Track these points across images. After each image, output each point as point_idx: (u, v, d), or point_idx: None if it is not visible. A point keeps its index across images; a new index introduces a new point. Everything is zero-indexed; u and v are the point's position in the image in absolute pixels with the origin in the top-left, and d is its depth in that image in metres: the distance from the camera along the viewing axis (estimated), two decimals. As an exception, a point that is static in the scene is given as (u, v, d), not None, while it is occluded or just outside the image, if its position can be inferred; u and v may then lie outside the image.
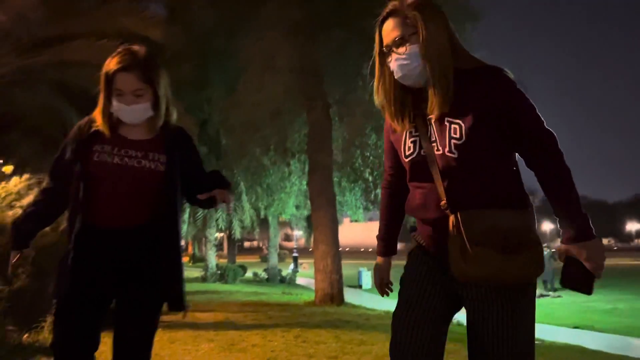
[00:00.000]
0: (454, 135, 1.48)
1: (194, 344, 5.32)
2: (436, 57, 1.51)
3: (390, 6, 1.58)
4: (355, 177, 12.70)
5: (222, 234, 26.13)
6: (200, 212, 16.33)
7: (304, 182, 13.29)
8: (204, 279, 19.18)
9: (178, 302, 1.91)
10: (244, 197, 16.06)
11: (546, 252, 17.11)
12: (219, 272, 19.72)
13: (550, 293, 14.78)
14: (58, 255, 1.91)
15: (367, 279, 18.21)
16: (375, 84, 1.66)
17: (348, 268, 14.17)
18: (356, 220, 15.93)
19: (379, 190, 13.58)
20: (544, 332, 7.69)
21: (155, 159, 1.90)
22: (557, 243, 1.61)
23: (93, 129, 1.91)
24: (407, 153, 1.58)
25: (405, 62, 1.54)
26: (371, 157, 11.82)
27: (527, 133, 1.48)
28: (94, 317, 1.85)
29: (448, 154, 1.48)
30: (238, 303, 10.46)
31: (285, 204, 14.58)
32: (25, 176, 16.73)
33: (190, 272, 23.93)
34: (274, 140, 12.12)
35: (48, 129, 12.03)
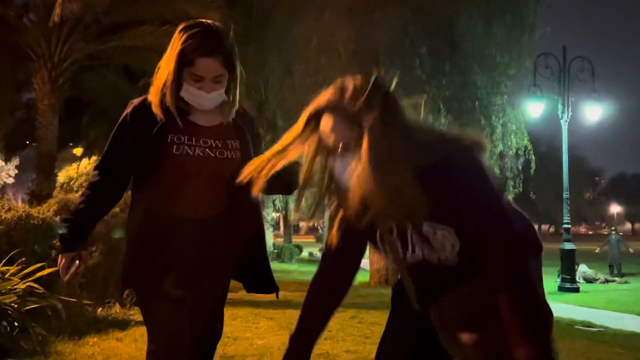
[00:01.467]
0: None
1: (254, 322, 5.51)
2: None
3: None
4: (412, 159, 12.54)
5: (278, 214, 26.59)
6: (258, 193, 16.63)
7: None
8: (261, 259, 19.63)
9: (270, 284, 1.92)
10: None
11: (614, 236, 16.37)
12: (275, 251, 20.15)
13: (617, 279, 14.16)
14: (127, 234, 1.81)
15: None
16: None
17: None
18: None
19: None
20: (609, 319, 7.42)
21: (233, 147, 1.78)
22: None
23: (157, 114, 1.71)
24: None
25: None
26: (428, 139, 11.62)
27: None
28: (181, 310, 1.74)
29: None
30: (295, 282, 10.66)
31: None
32: (94, 158, 17.66)
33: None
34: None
35: (114, 113, 12.59)
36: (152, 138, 1.71)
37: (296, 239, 28.97)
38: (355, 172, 1.27)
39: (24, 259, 4.30)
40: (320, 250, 23.14)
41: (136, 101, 1.81)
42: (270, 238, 20.32)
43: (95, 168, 1.83)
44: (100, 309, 5.16)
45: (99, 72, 11.56)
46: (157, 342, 1.73)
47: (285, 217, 23.21)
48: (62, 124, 10.33)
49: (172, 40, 1.71)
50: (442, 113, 11.21)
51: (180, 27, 1.72)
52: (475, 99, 11.66)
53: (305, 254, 23.92)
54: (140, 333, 4.20)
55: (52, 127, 9.90)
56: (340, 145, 1.30)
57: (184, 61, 1.67)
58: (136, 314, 4.87)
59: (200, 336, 1.80)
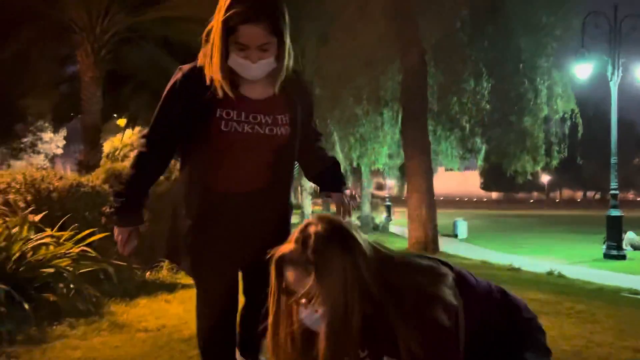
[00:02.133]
0: None
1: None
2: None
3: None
4: (451, 126, 12.33)
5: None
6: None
7: (397, 131, 13.13)
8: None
9: None
10: (337, 148, 16.19)
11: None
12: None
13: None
14: (171, 202, 1.83)
15: (463, 229, 17.92)
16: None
17: (443, 217, 14.00)
18: (451, 169, 15.57)
19: (476, 139, 13.12)
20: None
21: (283, 122, 1.74)
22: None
23: (207, 85, 1.66)
24: None
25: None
26: (468, 104, 11.38)
27: None
28: (234, 279, 1.83)
29: None
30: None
31: (379, 153, 14.52)
32: (137, 129, 18.01)
33: (287, 219, 24.88)
34: (367, 90, 12.00)
35: (155, 84, 12.76)
36: (200, 111, 1.67)
37: (334, 207, 29.06)
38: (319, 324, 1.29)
39: (76, 224, 4.49)
40: (357, 218, 23.27)
41: (185, 68, 1.74)
42: (309, 206, 20.53)
43: (144, 137, 1.80)
44: (148, 272, 5.36)
45: (139, 45, 11.70)
46: (208, 307, 1.80)
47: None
48: (105, 96, 10.54)
49: (218, 6, 1.63)
50: (484, 77, 10.92)
51: None
52: (518, 61, 11.30)
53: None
54: (188, 296, 4.36)
55: (96, 99, 10.12)
56: (302, 298, 1.30)
57: (228, 29, 1.59)
58: (182, 278, 5.03)
59: (251, 301, 1.87)
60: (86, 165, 9.30)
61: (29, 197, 4.65)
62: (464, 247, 14.70)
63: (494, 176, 45.89)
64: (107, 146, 16.37)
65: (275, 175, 1.77)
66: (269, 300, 1.38)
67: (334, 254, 1.28)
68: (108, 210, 5.38)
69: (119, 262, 4.75)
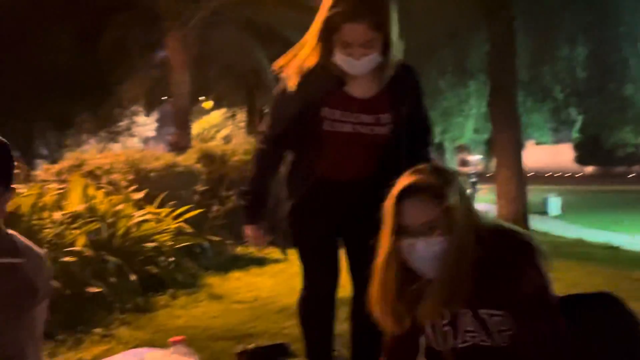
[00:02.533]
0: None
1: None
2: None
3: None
4: (542, 96, 11.65)
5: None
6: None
7: (484, 104, 12.61)
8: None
9: None
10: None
11: None
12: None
13: None
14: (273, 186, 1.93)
15: (555, 206, 17.03)
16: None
17: (533, 194, 13.37)
18: (542, 143, 14.78)
19: (570, 109, 12.33)
20: None
21: (385, 122, 1.75)
22: None
23: (313, 84, 1.69)
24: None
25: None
26: (562, 73, 10.69)
27: None
28: (332, 255, 1.91)
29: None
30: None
31: (463, 128, 14.07)
32: (223, 110, 18.64)
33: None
34: (452, 61, 11.59)
35: (239, 66, 13.14)
36: (307, 110, 1.73)
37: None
38: (436, 253, 1.29)
39: (173, 202, 4.76)
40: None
41: (291, 70, 1.78)
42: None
43: (261, 135, 1.92)
44: (239, 247, 5.59)
45: (223, 28, 12.03)
46: (308, 278, 1.91)
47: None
48: (192, 79, 10.98)
49: (322, 3, 1.64)
50: (579, 43, 10.19)
51: None
52: (618, 24, 10.42)
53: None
54: (278, 270, 4.50)
55: (185, 82, 10.57)
56: (426, 225, 1.30)
57: (330, 27, 1.61)
58: (271, 253, 5.18)
59: (359, 283, 1.89)
60: (177, 147, 9.77)
61: (130, 177, 4.99)
62: (557, 224, 13.96)
63: (590, 149, 42.97)
64: (195, 128, 17.15)
65: (377, 167, 1.80)
66: (379, 242, 1.38)
67: (458, 186, 1.35)
68: (200, 188, 5.65)
69: (213, 238, 4.99)
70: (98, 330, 2.96)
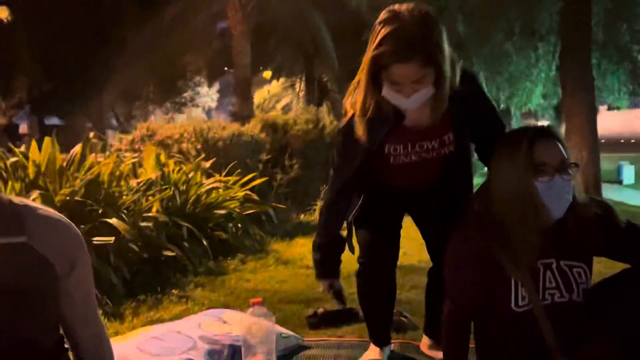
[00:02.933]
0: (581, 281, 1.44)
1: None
2: None
3: None
4: (619, 57, 10.92)
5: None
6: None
7: (554, 67, 11.97)
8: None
9: None
10: (484, 88, 15.32)
11: None
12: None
13: None
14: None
15: (629, 174, 16.15)
16: None
17: (606, 161, 12.70)
18: (617, 108, 13.93)
19: (650, 70, 11.51)
20: None
21: (450, 141, 1.74)
22: None
23: (374, 124, 1.66)
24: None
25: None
26: (642, 31, 9.95)
27: None
28: (398, 228, 1.98)
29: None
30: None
31: (531, 93, 13.43)
32: (281, 80, 18.65)
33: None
34: (520, 23, 11.03)
35: (298, 35, 13.09)
36: (373, 154, 1.73)
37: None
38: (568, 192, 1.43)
39: (239, 170, 4.88)
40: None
41: (350, 114, 1.74)
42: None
43: (331, 190, 1.88)
44: (302, 215, 5.68)
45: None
46: (372, 257, 1.95)
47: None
48: (253, 50, 11.05)
49: (370, 37, 1.56)
50: None
51: (378, 20, 1.55)
52: None
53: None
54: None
55: (245, 52, 10.64)
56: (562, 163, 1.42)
57: (378, 66, 1.54)
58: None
59: (437, 255, 1.91)
60: (240, 116, 9.93)
61: (198, 146, 5.14)
62: (630, 193, 13.25)
63: (668, 114, 40.27)
64: (256, 97, 17.34)
65: (444, 174, 1.83)
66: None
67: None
68: (265, 157, 5.75)
69: (278, 205, 5.09)
70: (175, 291, 3.12)
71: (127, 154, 4.79)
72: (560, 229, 1.41)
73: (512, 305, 1.39)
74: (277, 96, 17.36)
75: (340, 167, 1.83)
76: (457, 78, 1.60)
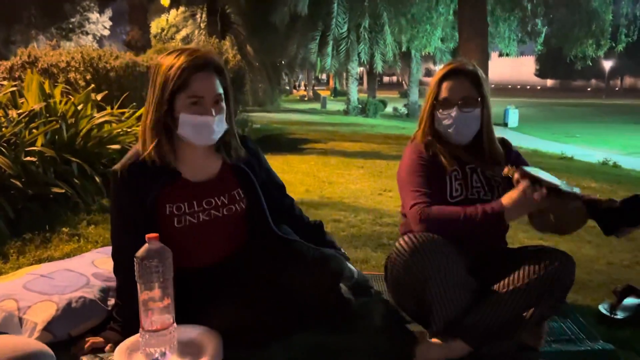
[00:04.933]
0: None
1: (345, 169, 5.73)
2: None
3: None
4: (512, 5, 11.48)
5: (362, 69, 26.11)
6: (343, 46, 16.25)
7: (452, 12, 12.37)
8: (346, 112, 19.83)
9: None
10: (387, 29, 15.53)
11: None
12: (360, 106, 20.16)
13: None
14: None
15: (514, 117, 17.45)
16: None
17: (494, 106, 13.56)
18: (507, 55, 14.78)
19: (538, 20, 12.25)
20: None
21: (240, 197, 1.68)
22: None
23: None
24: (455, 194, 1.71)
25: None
26: (533, -19, 10.49)
27: None
28: None
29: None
30: (381, 136, 10.78)
31: (431, 36, 13.85)
32: (181, 9, 17.70)
33: (333, 105, 24.76)
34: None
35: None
36: (149, 211, 1.55)
37: (380, 94, 28.61)
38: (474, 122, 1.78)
39: (134, 103, 4.61)
40: (405, 105, 22.89)
41: (125, 167, 1.57)
42: (355, 92, 20.22)
43: (114, 255, 1.66)
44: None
45: None
46: None
47: (370, 72, 22.73)
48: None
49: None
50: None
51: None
52: None
53: (389, 109, 23.76)
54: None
55: (141, -24, 9.87)
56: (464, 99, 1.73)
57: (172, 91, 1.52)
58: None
59: None
60: (135, 46, 9.34)
61: (88, 76, 4.76)
62: (514, 135, 14.39)
63: (551, 62, 43.49)
64: (154, 27, 16.27)
65: (249, 239, 1.69)
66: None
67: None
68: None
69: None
70: (65, 229, 2.96)
71: (4, 82, 4.33)
72: (479, 148, 1.76)
73: (448, 196, 1.68)
74: (177, 26, 16.40)
75: (117, 225, 1.63)
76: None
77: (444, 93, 1.73)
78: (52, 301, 1.67)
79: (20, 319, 1.62)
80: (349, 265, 1.93)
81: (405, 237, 1.57)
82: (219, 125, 1.55)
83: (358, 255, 2.64)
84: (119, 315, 1.62)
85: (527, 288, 1.52)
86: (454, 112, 1.71)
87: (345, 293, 1.89)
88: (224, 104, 1.57)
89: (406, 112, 22.45)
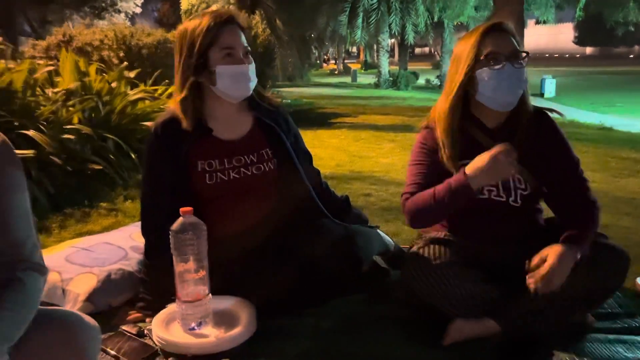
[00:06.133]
0: (519, 186, 1.55)
1: (376, 143, 5.69)
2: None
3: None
4: (549, -31, 11.05)
5: (393, 40, 25.66)
6: (374, 17, 15.97)
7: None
8: (377, 85, 19.58)
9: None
10: (419, 0, 15.18)
11: None
12: (391, 78, 19.86)
13: None
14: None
15: (551, 87, 16.92)
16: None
17: (530, 75, 13.16)
18: (544, 22, 14.27)
19: (577, -15, 11.75)
20: None
21: (268, 157, 1.70)
22: None
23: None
24: None
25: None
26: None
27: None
28: None
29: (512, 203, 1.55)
30: (412, 108, 10.63)
31: (464, 5, 13.49)
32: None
33: (363, 78, 24.49)
34: None
35: None
36: (182, 168, 1.58)
37: (412, 66, 28.12)
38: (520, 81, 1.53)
39: (166, 80, 4.67)
40: (437, 77, 22.46)
41: (159, 124, 1.61)
42: (386, 65, 19.93)
43: (145, 215, 1.67)
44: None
45: None
46: None
47: (402, 43, 22.32)
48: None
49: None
50: None
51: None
52: None
53: (421, 81, 23.37)
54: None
55: (170, -48, 9.86)
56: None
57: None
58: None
59: None
60: (166, 23, 9.39)
61: (121, 54, 4.83)
62: (551, 106, 13.95)
63: (590, 29, 41.76)
64: (184, 4, 16.30)
65: (278, 201, 1.68)
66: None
67: None
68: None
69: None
70: (104, 204, 3.05)
71: (41, 62, 4.44)
72: (513, 129, 1.53)
73: None
74: (207, 2, 16.39)
75: (151, 184, 1.65)
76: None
77: (489, 47, 1.47)
78: (92, 273, 1.74)
79: (64, 290, 1.70)
80: (384, 236, 1.94)
81: (408, 264, 1.53)
82: (253, 75, 1.60)
83: (389, 228, 2.65)
84: (147, 275, 1.67)
85: (573, 293, 1.44)
86: (505, 67, 1.46)
87: (381, 264, 1.90)
88: (252, 59, 1.61)
89: (439, 83, 22.01)
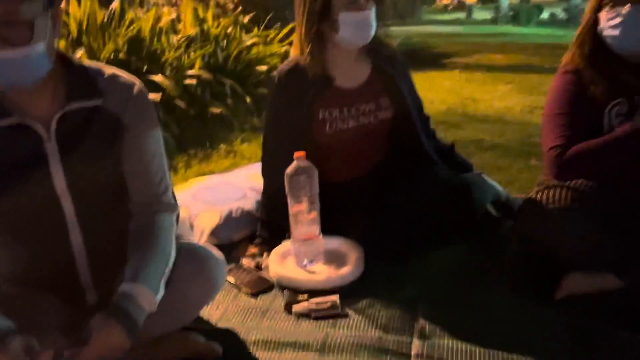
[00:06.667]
0: None
1: (492, 85, 5.40)
2: None
3: None
4: None
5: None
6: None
7: None
8: (493, 21, 18.34)
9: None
10: None
11: None
12: (511, 13, 18.46)
13: None
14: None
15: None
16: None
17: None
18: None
19: None
20: None
21: (386, 105, 1.73)
22: None
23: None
24: None
25: None
26: None
27: None
28: None
29: None
30: (534, 46, 9.85)
31: None
32: None
33: (480, 14, 22.99)
34: None
35: None
36: (304, 115, 1.62)
37: (535, -2, 25.80)
38: None
39: (278, 24, 4.74)
40: (564, 10, 20.45)
41: (283, 72, 1.66)
42: (505, -2, 18.50)
43: (266, 157, 1.78)
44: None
45: None
46: None
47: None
48: None
49: None
50: None
51: None
52: None
53: (545, 15, 21.44)
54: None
55: None
56: None
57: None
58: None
59: None
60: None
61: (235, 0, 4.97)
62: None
63: None
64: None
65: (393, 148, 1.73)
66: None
67: None
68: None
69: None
70: (223, 146, 3.26)
71: (164, 9, 4.70)
72: None
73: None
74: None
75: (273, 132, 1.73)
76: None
77: None
78: (216, 210, 1.90)
79: (192, 225, 1.88)
80: (496, 186, 1.89)
81: (524, 209, 1.46)
82: (375, 21, 1.60)
83: (502, 177, 2.56)
84: (264, 214, 1.77)
85: None
86: (630, 9, 1.36)
87: (494, 213, 1.88)
88: (373, 1, 1.61)
89: (566, 17, 20.01)
